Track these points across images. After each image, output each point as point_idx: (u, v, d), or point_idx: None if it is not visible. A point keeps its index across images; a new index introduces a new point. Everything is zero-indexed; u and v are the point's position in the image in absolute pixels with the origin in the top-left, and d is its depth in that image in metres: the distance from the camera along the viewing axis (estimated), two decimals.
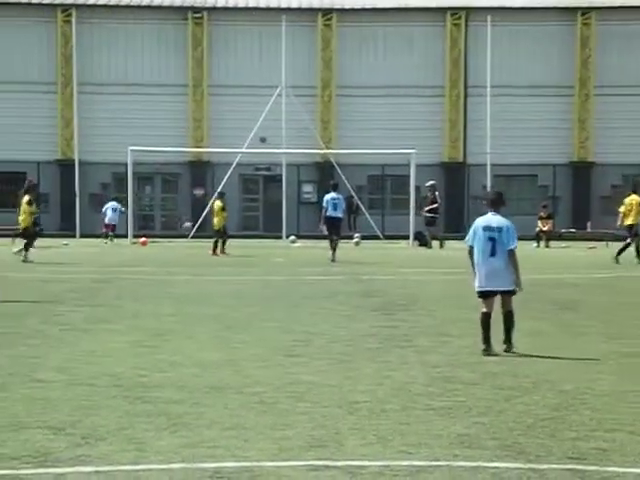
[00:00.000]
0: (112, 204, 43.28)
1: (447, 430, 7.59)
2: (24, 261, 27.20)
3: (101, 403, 8.49)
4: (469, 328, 13.88)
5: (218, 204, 33.11)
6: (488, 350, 11.45)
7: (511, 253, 11.70)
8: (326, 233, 30.26)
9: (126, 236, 40.32)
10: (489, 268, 11.65)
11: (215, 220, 32.69)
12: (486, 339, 11.55)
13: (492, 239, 11.66)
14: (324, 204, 30.62)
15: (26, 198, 28.58)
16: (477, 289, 11.78)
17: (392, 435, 7.42)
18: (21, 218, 28.51)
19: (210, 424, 7.73)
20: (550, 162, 47.91)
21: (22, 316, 14.25)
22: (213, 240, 32.31)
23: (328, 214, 30.43)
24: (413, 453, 6.91)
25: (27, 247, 27.94)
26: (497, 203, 12.05)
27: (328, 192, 31.29)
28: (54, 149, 48.27)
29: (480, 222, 11.88)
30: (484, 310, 11.73)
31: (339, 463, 6.64)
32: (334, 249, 29.47)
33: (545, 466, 6.61)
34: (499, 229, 11.70)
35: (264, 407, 8.40)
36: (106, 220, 42.58)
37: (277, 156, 45.76)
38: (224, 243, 32.20)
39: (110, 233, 41.32)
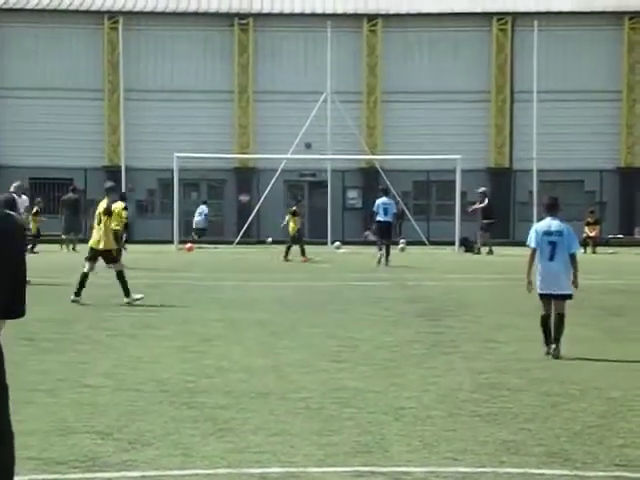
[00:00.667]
0: (201, 208, 44.68)
1: (493, 436, 7.56)
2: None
3: (148, 408, 8.55)
4: (516, 334, 13.82)
5: (291, 210, 33.80)
6: (549, 352, 11.71)
7: (572, 256, 12.02)
8: (372, 238, 30.33)
9: (172, 242, 40.50)
10: (547, 272, 11.98)
11: (290, 226, 33.11)
12: (547, 341, 11.86)
13: (552, 243, 11.96)
14: (375, 209, 30.84)
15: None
16: (538, 291, 12.16)
17: (438, 441, 7.40)
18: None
19: (256, 430, 7.75)
20: (597, 168, 47.51)
21: (71, 322, 14.38)
22: (286, 246, 32.61)
23: (378, 218, 30.67)
24: (459, 459, 6.89)
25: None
26: (553, 208, 12.35)
27: (379, 197, 31.51)
28: (101, 155, 48.62)
29: (540, 226, 12.21)
30: (542, 312, 12.09)
31: (385, 469, 6.64)
32: (388, 253, 29.67)
33: (592, 473, 6.57)
34: (559, 233, 12.00)
35: (310, 413, 8.41)
36: (194, 225, 44.46)
37: (322, 162, 45.76)
38: (303, 249, 32.41)
39: (195, 237, 42.96)
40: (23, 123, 47.41)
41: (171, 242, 40.59)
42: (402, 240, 39.62)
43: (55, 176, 46.37)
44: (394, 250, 36.93)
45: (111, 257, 18.09)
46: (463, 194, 41.77)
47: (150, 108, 47.93)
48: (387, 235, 30.46)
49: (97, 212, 18.27)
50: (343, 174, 47.11)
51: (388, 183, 44.33)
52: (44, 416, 7.92)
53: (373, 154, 46.63)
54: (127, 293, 17.55)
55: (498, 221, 39.67)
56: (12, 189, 24.48)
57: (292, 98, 47.25)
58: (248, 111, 48.60)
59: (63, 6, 48.69)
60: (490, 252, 37.12)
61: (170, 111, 47.66)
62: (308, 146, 46.29)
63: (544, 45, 46.11)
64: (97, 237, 18.08)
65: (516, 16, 48.45)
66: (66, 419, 8.04)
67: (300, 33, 48.42)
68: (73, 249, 35.00)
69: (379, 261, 29.43)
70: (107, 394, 9.18)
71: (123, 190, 38.33)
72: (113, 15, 48.21)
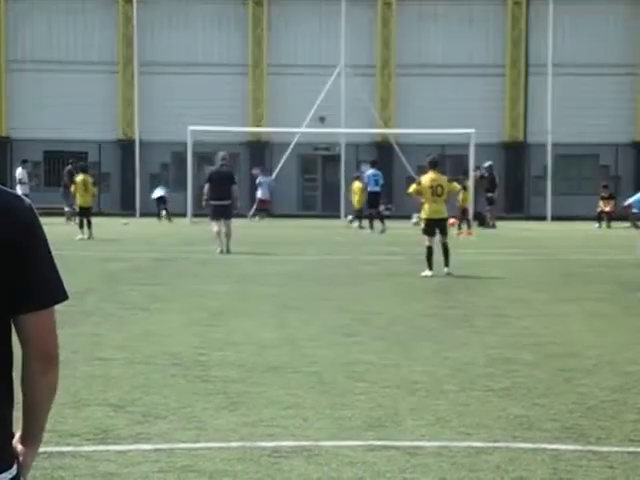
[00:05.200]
0: (266, 179, 44.10)
1: (506, 411, 7.54)
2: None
3: (160, 381, 8.55)
4: (529, 309, 13.79)
5: (358, 185, 34.69)
6: None
7: None
8: (386, 213, 32.51)
9: (185, 215, 40.55)
10: None
11: (355, 199, 34.38)
12: None
13: None
14: (365, 180, 33.12)
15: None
16: None
17: (451, 416, 7.39)
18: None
19: (269, 403, 7.74)
20: (612, 142, 47.29)
21: (83, 294, 14.40)
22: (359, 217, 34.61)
23: (369, 189, 33.66)
24: (472, 434, 6.87)
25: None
26: None
27: (367, 168, 35.39)
28: (114, 129, 48.63)
29: None
30: None
31: (397, 443, 6.63)
32: (382, 220, 33.13)
33: (606, 449, 6.54)
34: None
35: (322, 387, 8.40)
36: (259, 195, 43.32)
37: (336, 136, 45.67)
38: (361, 221, 33.57)
39: (259, 211, 42.32)
40: (38, 97, 47.41)
41: (184, 215, 40.62)
42: (415, 215, 39.54)
43: (69, 149, 46.33)
44: (407, 223, 36.96)
45: None
46: (477, 168, 41.64)
47: (164, 81, 47.85)
48: (376, 204, 33.39)
49: None
50: (357, 148, 47.01)
51: (402, 157, 44.29)
52: (57, 388, 7.91)
53: (387, 128, 46.51)
54: None
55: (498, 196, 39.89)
56: None
57: (306, 71, 47.12)
58: (262, 84, 48.47)
59: None
60: (493, 226, 37.41)
61: (184, 84, 47.59)
62: (322, 120, 46.19)
63: (559, 18, 45.84)
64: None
65: None
66: (79, 392, 8.05)
67: (314, 6, 48.19)
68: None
69: (371, 227, 32.92)
70: (120, 367, 9.19)
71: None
72: None
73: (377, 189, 33.73)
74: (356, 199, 35.87)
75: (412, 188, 19.61)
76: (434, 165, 19.23)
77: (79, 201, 29.29)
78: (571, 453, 6.41)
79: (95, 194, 30.96)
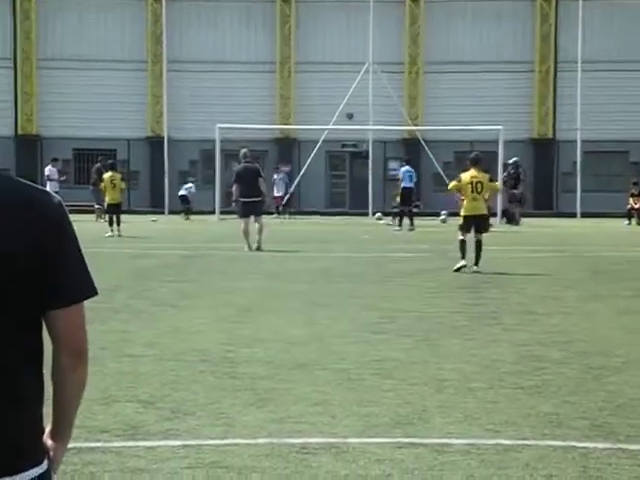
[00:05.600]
0: (282, 176, 43.76)
1: (535, 409, 7.51)
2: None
3: (189, 378, 8.58)
4: (558, 306, 13.73)
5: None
6: None
7: None
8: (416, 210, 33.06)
9: (213, 212, 40.63)
10: None
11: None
12: None
13: None
14: (400, 176, 34.20)
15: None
16: None
17: (479, 413, 7.37)
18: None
19: (296, 400, 7.75)
20: None
21: (112, 291, 14.45)
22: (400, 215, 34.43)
23: (404, 185, 33.86)
24: (500, 432, 6.85)
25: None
26: None
27: (402, 165, 35.58)
28: (143, 126, 48.79)
29: None
30: None
31: (425, 441, 6.62)
32: (412, 217, 33.38)
33: (636, 447, 6.51)
34: None
35: (350, 384, 8.40)
36: (276, 192, 42.75)
37: (364, 133, 45.64)
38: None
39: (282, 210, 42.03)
40: (67, 94, 47.62)
41: (212, 212, 40.72)
42: (444, 211, 39.49)
43: (98, 147, 46.52)
44: (435, 221, 36.90)
45: None
46: (505, 165, 41.49)
47: (193, 79, 47.97)
48: (410, 201, 33.90)
49: None
50: (385, 145, 46.96)
51: (430, 154, 44.20)
52: (87, 385, 7.95)
53: (415, 125, 46.43)
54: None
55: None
56: None
57: (334, 69, 47.10)
58: (290, 82, 48.50)
59: None
60: (516, 223, 37.42)
61: (212, 82, 47.68)
62: (350, 117, 46.17)
63: (589, 13, 45.60)
64: None
65: None
66: (108, 388, 8.09)
67: (342, 3, 48.16)
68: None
69: (400, 224, 33.05)
70: (149, 363, 9.23)
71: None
72: None
73: (411, 185, 34.13)
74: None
75: (452, 185, 19.69)
76: (476, 162, 19.26)
77: (108, 198, 29.44)
78: (600, 451, 6.38)
79: (124, 189, 31.08)
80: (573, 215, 43.29)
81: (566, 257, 22.51)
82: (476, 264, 18.49)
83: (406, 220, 33.63)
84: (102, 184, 30.38)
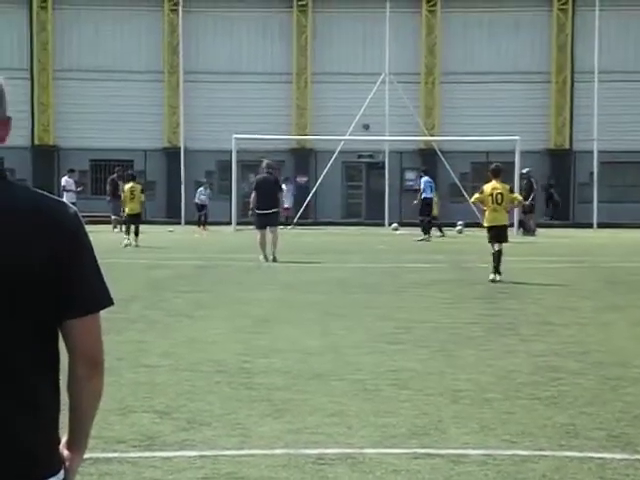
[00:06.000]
0: (290, 186, 43.44)
1: (552, 420, 7.49)
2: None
3: (205, 388, 8.59)
4: (575, 317, 13.69)
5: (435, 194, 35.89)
6: None
7: None
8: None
9: (230, 223, 40.67)
10: None
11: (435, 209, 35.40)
12: None
13: None
14: (422, 186, 34.39)
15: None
16: None
17: (495, 424, 7.35)
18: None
19: (313, 410, 7.75)
20: None
21: (128, 302, 14.48)
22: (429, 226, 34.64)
23: (425, 195, 34.18)
24: (517, 442, 6.83)
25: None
26: None
27: (421, 176, 35.67)
28: (160, 137, 48.91)
29: None
30: None
31: (442, 451, 6.61)
32: (430, 227, 33.72)
33: None
34: None
35: (367, 394, 8.39)
36: (286, 204, 41.74)
37: (380, 143, 45.64)
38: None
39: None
40: (83, 105, 47.78)
41: (229, 223, 40.76)
42: (460, 222, 39.48)
43: (115, 158, 46.66)
44: (452, 232, 36.87)
45: None
46: (521, 176, 41.43)
47: (209, 90, 48.08)
48: (430, 211, 34.18)
49: None
50: (401, 155, 46.95)
51: (446, 164, 44.17)
52: (103, 395, 7.97)
53: (431, 135, 46.41)
54: None
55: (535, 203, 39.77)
56: None
57: (350, 79, 47.15)
58: (306, 93, 48.56)
59: None
60: (532, 233, 37.43)
61: (229, 93, 47.79)
62: (366, 127, 46.19)
63: (605, 24, 45.53)
64: None
65: None
66: (125, 398, 8.10)
67: (359, 14, 48.23)
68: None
69: (429, 235, 33.26)
70: (165, 374, 9.24)
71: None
72: None
73: (431, 196, 34.43)
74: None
75: (475, 197, 19.91)
76: (497, 174, 19.44)
77: (127, 209, 29.59)
78: (618, 462, 6.36)
79: (143, 202, 31.15)
80: (590, 226, 43.16)
81: (583, 268, 22.45)
82: (493, 273, 18.60)
83: (436, 232, 34.38)
84: (123, 195, 30.49)
